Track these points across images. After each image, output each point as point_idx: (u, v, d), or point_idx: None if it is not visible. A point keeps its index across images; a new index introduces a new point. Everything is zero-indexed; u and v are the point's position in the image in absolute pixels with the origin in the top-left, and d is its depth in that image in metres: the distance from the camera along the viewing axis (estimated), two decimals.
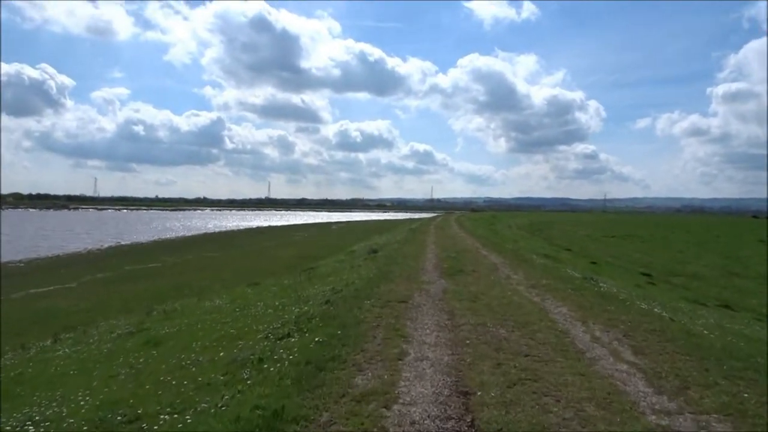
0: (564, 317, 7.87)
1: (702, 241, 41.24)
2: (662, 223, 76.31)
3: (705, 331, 7.41)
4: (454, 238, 28.75)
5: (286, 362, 5.60)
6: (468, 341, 6.38)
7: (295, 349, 6.06)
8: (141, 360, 7.40)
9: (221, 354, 6.62)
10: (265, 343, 6.71)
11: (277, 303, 10.56)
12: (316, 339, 6.40)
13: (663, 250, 33.43)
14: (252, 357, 6.05)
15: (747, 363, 5.69)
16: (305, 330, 7.02)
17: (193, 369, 6.18)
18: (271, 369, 5.47)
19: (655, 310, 8.97)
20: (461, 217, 78.87)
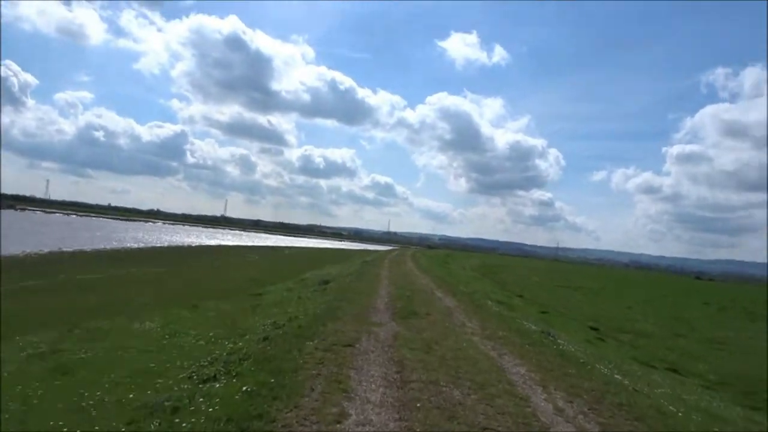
0: (523, 379, 7.20)
1: (649, 299, 41.75)
2: (612, 276, 77.67)
3: (672, 408, 6.85)
4: (409, 275, 28.11)
5: (203, 417, 4.72)
6: (418, 404, 5.62)
7: (218, 399, 5.18)
8: (40, 392, 6.35)
9: (131, 395, 5.68)
10: (186, 386, 5.82)
11: (211, 333, 9.61)
12: (244, 388, 5.53)
13: (611, 305, 33.52)
14: (166, 404, 5.15)
15: None
16: (234, 373, 6.14)
17: (94, 412, 5.22)
18: (184, 425, 4.59)
19: (616, 376, 8.42)
20: (417, 253, 78.51)
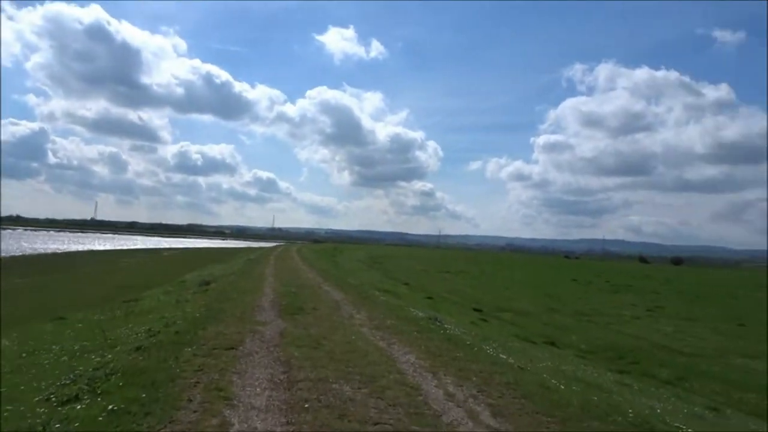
0: (413, 367, 7.15)
1: (525, 279, 44.34)
2: (490, 260, 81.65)
3: (554, 381, 7.13)
4: (295, 270, 27.61)
5: None
6: (307, 404, 5.33)
7: (78, 423, 4.56)
8: None
9: None
10: (42, 410, 5.11)
11: (76, 347, 8.68)
12: (110, 407, 4.91)
13: (492, 287, 35.14)
14: None
15: (607, 423, 5.35)
16: (99, 391, 5.48)
17: None
18: None
19: (501, 355, 8.67)
20: (303, 248, 77.64)
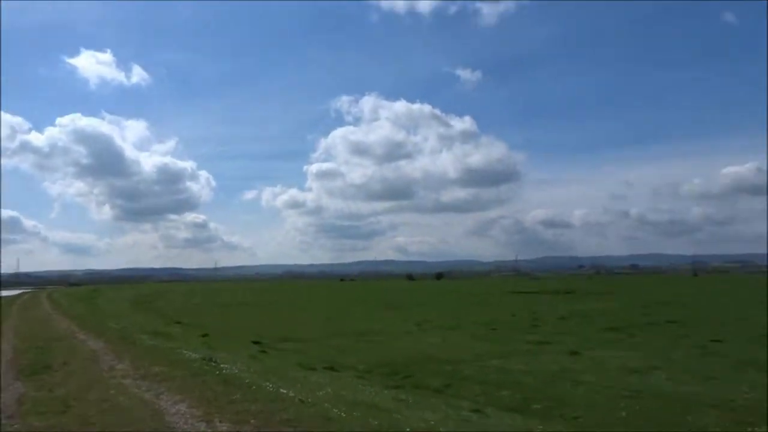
0: (184, 417, 6.47)
1: (304, 305, 44.72)
2: (270, 289, 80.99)
3: (335, 410, 7.03)
4: (44, 321, 24.00)
5: None
6: None
7: None
8: None
9: None
10: None
11: None
12: None
13: (271, 316, 34.63)
14: None
15: None
16: None
17: None
18: None
19: (282, 390, 8.35)
20: (55, 293, 68.31)
